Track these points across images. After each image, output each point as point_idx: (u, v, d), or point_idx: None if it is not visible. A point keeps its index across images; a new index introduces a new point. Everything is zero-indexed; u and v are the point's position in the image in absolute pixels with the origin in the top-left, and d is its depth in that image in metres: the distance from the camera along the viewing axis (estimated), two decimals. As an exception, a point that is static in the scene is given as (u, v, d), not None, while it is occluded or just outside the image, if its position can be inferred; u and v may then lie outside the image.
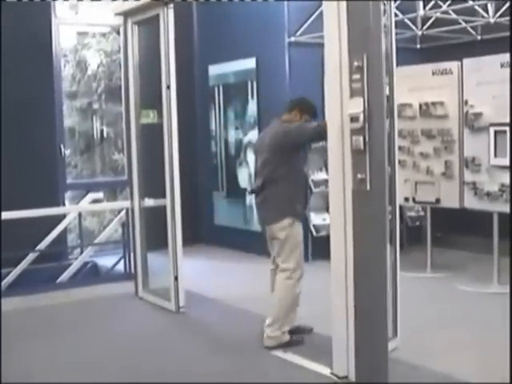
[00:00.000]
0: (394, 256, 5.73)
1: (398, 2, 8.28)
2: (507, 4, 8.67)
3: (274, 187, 6.13)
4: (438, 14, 8.75)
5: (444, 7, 8.86)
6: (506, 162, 7.63)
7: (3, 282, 9.06)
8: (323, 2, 5.15)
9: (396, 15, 7.92)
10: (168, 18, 7.29)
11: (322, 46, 5.19)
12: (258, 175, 6.34)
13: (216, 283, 8.69)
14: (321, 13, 5.32)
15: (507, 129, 7.58)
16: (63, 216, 9.99)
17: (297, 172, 6.18)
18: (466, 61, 8.26)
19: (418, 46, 10.50)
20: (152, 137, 7.96)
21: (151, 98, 8.10)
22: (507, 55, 7.61)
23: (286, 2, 9.60)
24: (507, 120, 7.57)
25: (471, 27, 9.71)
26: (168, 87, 7.34)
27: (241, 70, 10.51)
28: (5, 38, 9.66)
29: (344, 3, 4.90)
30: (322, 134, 5.51)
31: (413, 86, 8.60)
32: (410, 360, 5.66)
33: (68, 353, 6.31)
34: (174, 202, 7.37)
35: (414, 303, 5.89)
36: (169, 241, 7.47)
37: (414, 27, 9.55)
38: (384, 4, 5.40)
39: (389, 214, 5.49)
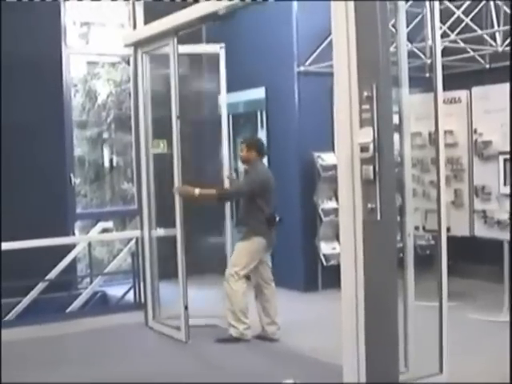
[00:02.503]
0: (407, 285, 5.73)
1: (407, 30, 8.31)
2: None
3: None
4: (447, 43, 8.78)
5: (452, 36, 8.89)
6: (517, 191, 7.63)
7: (13, 311, 9.10)
8: (333, 31, 5.17)
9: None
10: (178, 49, 7.35)
11: (331, 75, 5.18)
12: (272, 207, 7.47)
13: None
14: (330, 42, 5.34)
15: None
16: (73, 245, 10.01)
17: None
18: (474, 89, 8.28)
19: (427, 75, 10.51)
20: (162, 166, 7.98)
21: (161, 127, 8.14)
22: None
23: (295, 32, 9.64)
24: (517, 148, 7.58)
25: (479, 56, 9.74)
26: (178, 117, 7.37)
27: (250, 100, 10.55)
28: (16, 67, 9.74)
29: (353, 32, 4.91)
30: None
31: (422, 114, 8.59)
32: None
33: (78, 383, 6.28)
34: (183, 231, 7.38)
35: (426, 332, 5.87)
36: (179, 270, 7.46)
37: (423, 56, 9.57)
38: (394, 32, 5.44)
39: (400, 243, 5.50)
